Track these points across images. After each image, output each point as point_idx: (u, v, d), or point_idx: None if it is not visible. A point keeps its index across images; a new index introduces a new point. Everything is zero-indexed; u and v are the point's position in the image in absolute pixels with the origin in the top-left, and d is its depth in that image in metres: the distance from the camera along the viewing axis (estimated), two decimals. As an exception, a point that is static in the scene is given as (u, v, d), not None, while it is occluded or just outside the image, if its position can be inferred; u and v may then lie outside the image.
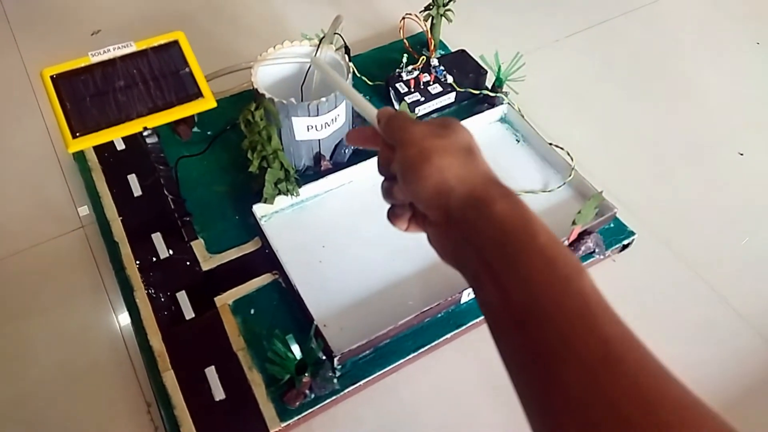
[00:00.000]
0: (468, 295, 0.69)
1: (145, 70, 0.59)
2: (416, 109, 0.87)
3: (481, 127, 0.88)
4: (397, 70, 0.90)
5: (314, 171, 0.82)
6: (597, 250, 0.74)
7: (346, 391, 0.64)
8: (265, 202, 0.74)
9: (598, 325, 0.27)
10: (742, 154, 0.89)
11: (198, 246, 0.74)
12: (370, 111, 0.38)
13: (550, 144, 0.83)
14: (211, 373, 0.64)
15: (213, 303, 0.69)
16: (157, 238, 0.75)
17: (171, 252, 0.73)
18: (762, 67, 1.03)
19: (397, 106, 0.88)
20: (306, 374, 0.61)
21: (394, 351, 0.66)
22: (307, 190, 0.78)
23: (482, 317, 0.69)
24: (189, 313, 0.69)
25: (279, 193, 0.75)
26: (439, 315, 0.69)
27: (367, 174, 0.82)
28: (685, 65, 1.03)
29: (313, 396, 0.63)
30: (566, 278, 0.29)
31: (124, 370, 0.67)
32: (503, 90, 0.89)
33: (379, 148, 0.38)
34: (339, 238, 0.75)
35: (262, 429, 0.61)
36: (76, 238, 0.78)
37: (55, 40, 1.03)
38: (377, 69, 0.94)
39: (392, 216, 0.37)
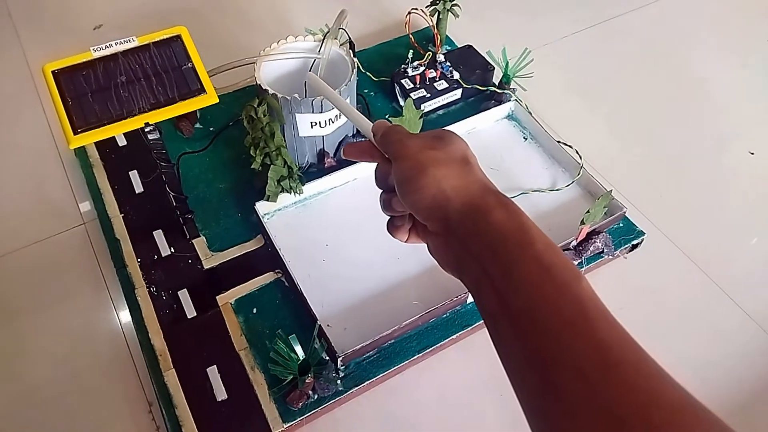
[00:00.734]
0: (474, 295, 0.68)
1: (147, 65, 0.58)
2: (422, 106, 0.86)
3: (488, 124, 0.87)
4: (403, 65, 0.88)
5: (318, 168, 0.81)
6: (606, 250, 0.73)
7: (349, 392, 0.63)
8: (267, 200, 0.74)
9: (594, 331, 0.27)
10: (753, 153, 0.87)
11: (200, 244, 0.73)
12: (366, 125, 0.39)
13: (559, 142, 0.82)
14: (213, 372, 0.63)
15: (215, 302, 0.69)
16: (159, 235, 0.74)
17: (172, 249, 0.72)
18: (774, 64, 1.01)
19: (402, 102, 0.87)
20: (309, 375, 0.60)
21: (399, 352, 0.65)
22: (311, 187, 0.77)
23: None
24: (191, 312, 0.68)
25: (282, 191, 0.74)
26: (445, 316, 0.68)
27: (372, 172, 0.81)
28: (696, 62, 1.02)
29: (316, 397, 0.62)
30: (563, 284, 0.29)
31: (126, 369, 0.67)
32: (511, 86, 0.88)
33: (375, 161, 0.38)
34: (343, 236, 0.74)
35: (265, 430, 0.60)
36: (77, 235, 0.77)
37: (57, 34, 1.02)
38: (382, 64, 0.92)
39: (392, 227, 0.38)
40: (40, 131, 0.88)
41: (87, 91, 0.57)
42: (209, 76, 0.60)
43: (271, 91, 0.70)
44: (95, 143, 0.78)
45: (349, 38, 0.80)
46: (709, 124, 0.91)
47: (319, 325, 0.62)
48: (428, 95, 0.86)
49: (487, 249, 0.31)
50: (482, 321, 0.67)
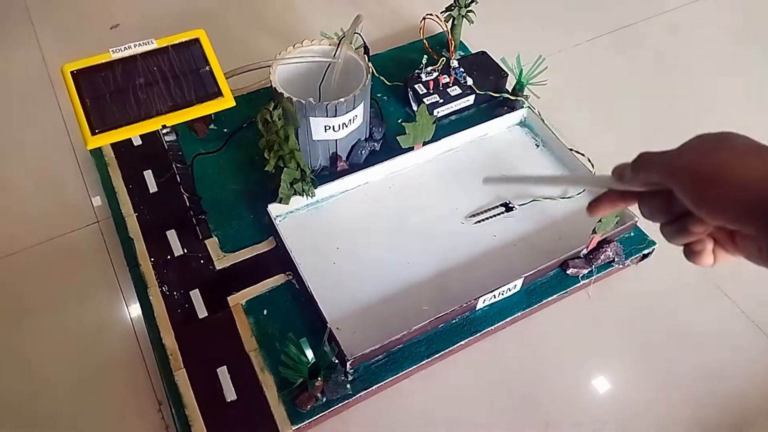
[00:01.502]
0: (484, 301, 0.68)
1: (165, 67, 0.58)
2: (435, 111, 0.86)
3: (500, 130, 0.87)
4: (416, 70, 0.89)
5: (330, 171, 0.81)
6: (617, 259, 0.73)
7: (358, 395, 0.63)
8: (280, 202, 0.74)
9: None
10: (766, 165, 0.87)
11: (212, 244, 0.74)
12: (603, 178, 0.36)
13: (571, 149, 0.82)
14: (223, 373, 0.64)
15: (226, 302, 0.69)
16: (172, 235, 0.74)
17: (185, 249, 0.73)
18: (789, 75, 1.01)
19: (415, 107, 0.87)
20: (319, 378, 0.60)
21: (408, 356, 0.66)
22: (323, 190, 0.77)
23: (498, 324, 0.69)
24: (202, 312, 0.68)
25: (294, 193, 0.74)
26: (454, 321, 0.68)
27: (384, 176, 0.81)
28: (710, 71, 1.01)
29: (325, 400, 0.62)
30: None
31: (136, 368, 0.67)
32: (524, 93, 0.88)
33: (631, 204, 0.36)
34: (354, 239, 0.75)
35: (273, 431, 0.60)
36: (91, 233, 0.78)
37: (75, 35, 1.03)
38: (396, 69, 0.93)
39: (694, 255, 0.34)
40: (56, 129, 0.89)
41: (105, 92, 0.57)
42: (226, 79, 0.60)
43: (286, 95, 0.71)
44: (111, 143, 0.79)
45: (364, 43, 0.80)
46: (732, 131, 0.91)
47: (330, 329, 0.63)
48: (441, 100, 0.87)
49: None
50: (492, 327, 0.68)
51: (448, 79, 0.88)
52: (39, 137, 0.88)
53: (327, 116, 0.73)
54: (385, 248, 0.74)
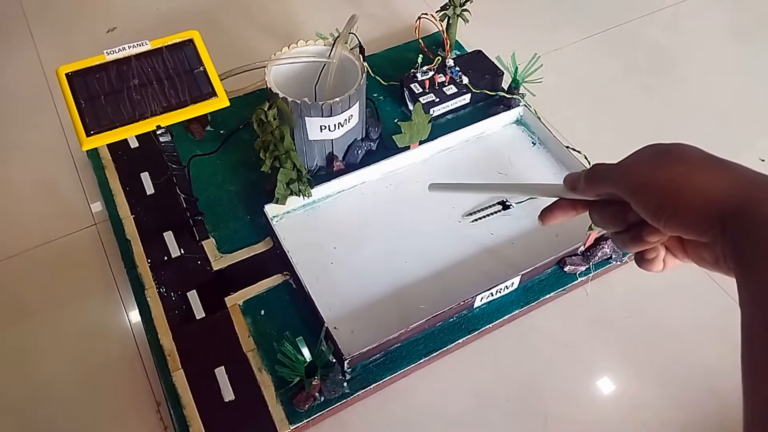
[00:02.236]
0: (481, 299, 0.68)
1: (159, 68, 0.58)
2: (431, 110, 0.86)
3: (497, 129, 0.87)
4: (412, 70, 0.89)
5: (327, 171, 0.81)
6: (614, 256, 0.73)
7: (355, 394, 0.63)
8: (276, 203, 0.74)
9: None
10: (763, 160, 0.87)
11: (209, 245, 0.74)
12: (554, 187, 0.36)
13: (567, 147, 0.82)
14: (220, 373, 0.64)
15: (223, 303, 0.69)
16: (169, 236, 0.74)
17: (182, 251, 0.73)
18: (785, 71, 1.01)
19: (411, 106, 0.87)
20: (316, 377, 0.60)
21: (405, 355, 0.66)
22: (320, 190, 0.77)
23: (495, 322, 0.69)
24: (199, 313, 0.68)
25: (291, 194, 0.74)
26: (452, 319, 0.68)
27: (380, 175, 0.81)
28: (706, 69, 1.01)
29: (322, 399, 0.62)
30: None
31: (135, 369, 0.67)
32: (520, 92, 0.88)
33: (583, 212, 0.36)
34: (351, 239, 0.75)
35: (271, 431, 0.60)
36: (89, 236, 0.78)
37: (71, 37, 1.03)
38: (392, 69, 0.93)
39: (645, 262, 0.35)
40: (53, 132, 0.89)
41: (100, 93, 0.58)
42: (220, 80, 0.61)
43: (281, 95, 0.71)
44: (107, 145, 0.79)
45: (359, 43, 0.80)
46: (719, 131, 0.91)
47: (326, 328, 0.63)
48: (437, 100, 0.87)
49: None
50: (489, 325, 0.68)
51: (443, 78, 0.88)
52: (36, 140, 0.88)
53: (322, 116, 0.73)
54: (382, 247, 0.74)
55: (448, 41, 0.92)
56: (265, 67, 0.75)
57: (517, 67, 0.86)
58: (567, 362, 0.69)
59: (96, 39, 1.02)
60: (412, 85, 0.88)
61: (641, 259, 0.35)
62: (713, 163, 0.31)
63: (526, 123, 0.87)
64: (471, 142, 0.85)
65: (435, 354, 0.66)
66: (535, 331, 0.71)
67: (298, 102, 0.71)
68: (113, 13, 1.07)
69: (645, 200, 0.31)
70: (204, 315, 0.68)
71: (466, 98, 0.89)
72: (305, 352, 0.59)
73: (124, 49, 0.59)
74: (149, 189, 0.79)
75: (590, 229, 0.70)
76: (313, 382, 0.60)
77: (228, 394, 0.63)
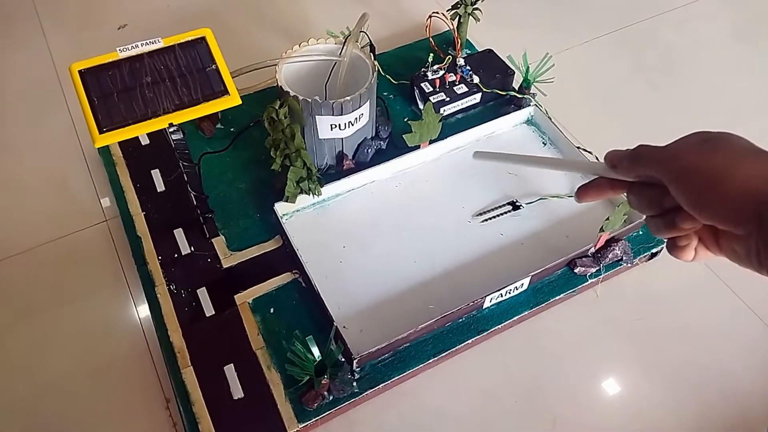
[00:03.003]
0: (490, 300, 0.68)
1: (172, 66, 0.58)
2: (441, 109, 0.86)
3: (507, 128, 0.86)
4: (423, 69, 0.89)
5: (336, 170, 0.81)
6: (625, 258, 0.72)
7: (364, 394, 0.63)
8: (286, 201, 0.74)
9: None
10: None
11: (219, 243, 0.74)
12: (595, 164, 0.36)
13: (578, 147, 0.81)
14: (230, 371, 0.64)
15: (233, 300, 0.69)
16: (179, 233, 0.75)
17: (192, 248, 0.73)
18: (800, 72, 1.00)
19: (421, 106, 0.87)
20: (325, 376, 0.60)
21: (414, 355, 0.66)
22: (329, 189, 0.77)
23: (505, 323, 0.68)
24: (209, 310, 0.69)
25: (301, 192, 0.74)
26: (461, 320, 0.68)
27: (390, 174, 0.81)
28: (717, 68, 1.00)
29: (331, 398, 0.62)
30: None
31: (144, 365, 0.68)
32: (531, 91, 0.87)
33: (620, 193, 0.36)
34: (360, 238, 0.75)
35: (280, 429, 0.61)
36: (99, 232, 0.78)
37: (82, 34, 1.03)
38: (402, 68, 0.93)
39: (677, 249, 0.34)
40: (65, 129, 0.89)
41: (113, 90, 0.58)
42: (232, 78, 0.61)
43: (292, 93, 0.71)
44: (119, 142, 0.79)
45: (370, 41, 0.80)
46: (730, 130, 0.90)
47: (336, 327, 0.63)
48: (447, 99, 0.86)
49: None
50: (499, 326, 0.68)
51: (454, 78, 0.88)
52: (47, 137, 0.89)
53: (333, 115, 0.73)
54: (392, 247, 0.74)
55: (459, 40, 0.92)
56: (276, 65, 0.75)
57: (528, 67, 0.85)
58: (576, 364, 0.69)
59: (107, 36, 1.03)
60: (422, 84, 0.87)
61: (673, 246, 0.34)
62: (758, 154, 0.30)
63: (537, 123, 0.87)
64: (481, 142, 0.85)
65: (444, 354, 0.66)
66: (544, 333, 0.71)
67: (309, 100, 0.71)
68: (124, 10, 1.07)
69: (685, 186, 0.31)
70: (214, 312, 0.68)
71: (477, 97, 0.88)
72: (315, 351, 0.59)
73: (137, 46, 0.59)
74: (160, 186, 0.79)
75: (601, 230, 0.69)
76: (323, 381, 0.60)
77: (237, 392, 0.63)
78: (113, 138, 0.56)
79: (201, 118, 0.78)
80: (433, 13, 0.90)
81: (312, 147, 0.78)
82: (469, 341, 0.67)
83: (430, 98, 0.86)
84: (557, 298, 0.71)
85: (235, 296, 0.70)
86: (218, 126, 0.86)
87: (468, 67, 0.89)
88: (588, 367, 0.69)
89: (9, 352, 0.68)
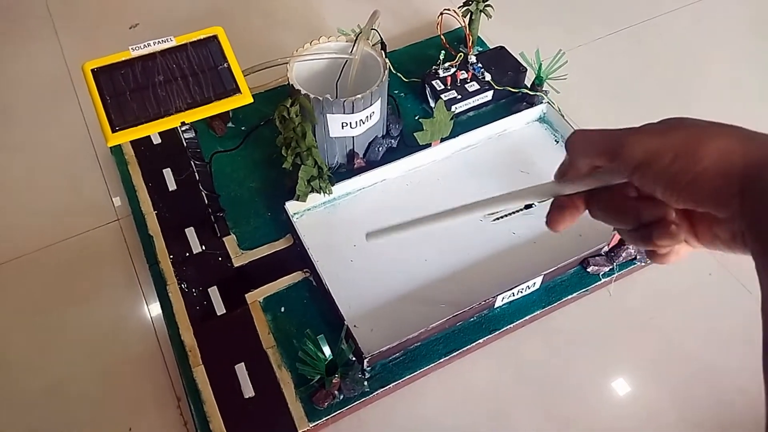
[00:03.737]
0: (502, 299, 0.67)
1: (184, 65, 0.59)
2: (453, 107, 0.85)
3: (519, 126, 0.86)
4: (434, 66, 0.88)
5: (347, 169, 0.81)
6: (638, 257, 0.71)
7: (375, 393, 0.63)
8: (297, 200, 0.74)
9: None
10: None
11: (230, 242, 0.74)
12: (542, 187, 0.32)
13: (591, 146, 0.80)
14: (241, 370, 0.64)
15: (244, 299, 0.69)
16: (191, 232, 0.75)
17: (204, 247, 0.73)
18: (818, 68, 0.98)
19: (432, 104, 0.86)
20: (336, 375, 0.60)
21: (425, 355, 0.65)
22: (340, 188, 0.77)
23: (516, 322, 0.68)
24: (220, 309, 0.69)
25: (312, 191, 0.74)
26: (472, 319, 0.68)
27: (401, 173, 0.81)
28: (731, 65, 0.99)
29: (342, 397, 0.62)
30: None
31: (155, 364, 0.68)
32: (543, 89, 0.87)
33: (581, 209, 0.32)
34: (371, 237, 0.74)
35: (291, 428, 0.60)
36: (111, 231, 0.79)
37: (94, 33, 1.04)
38: (413, 65, 0.92)
39: (657, 257, 0.32)
40: (77, 128, 0.90)
41: (125, 89, 0.58)
42: (243, 76, 0.61)
43: (303, 92, 0.71)
44: (131, 141, 0.79)
45: (381, 39, 0.80)
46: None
47: (347, 326, 0.63)
48: (459, 96, 0.86)
49: None
50: (511, 325, 0.67)
51: (465, 75, 0.87)
52: (60, 135, 0.89)
53: (344, 113, 0.73)
54: (403, 246, 0.73)
55: (471, 37, 0.91)
56: (287, 63, 0.75)
57: (540, 64, 0.84)
58: (589, 363, 0.68)
59: (119, 35, 1.03)
60: (433, 82, 0.87)
61: (654, 255, 0.32)
62: (722, 126, 0.28)
63: (549, 120, 0.86)
64: (493, 140, 0.84)
65: (455, 354, 0.66)
66: (556, 332, 0.70)
67: (320, 99, 0.71)
68: (136, 8, 1.07)
69: (655, 172, 0.28)
70: (225, 311, 0.68)
71: (489, 95, 0.87)
72: (326, 350, 0.59)
73: (149, 45, 0.59)
74: (171, 185, 0.80)
75: (614, 229, 0.68)
76: (333, 381, 0.60)
77: (248, 391, 0.63)
78: (126, 137, 0.56)
79: (212, 116, 0.78)
80: (445, 10, 0.89)
81: (323, 145, 0.78)
82: (481, 341, 0.67)
83: (442, 96, 0.85)
84: (570, 297, 0.70)
85: (246, 295, 0.70)
86: (229, 125, 0.86)
87: (480, 65, 0.88)
88: (601, 366, 0.68)
89: (21, 349, 0.69)
